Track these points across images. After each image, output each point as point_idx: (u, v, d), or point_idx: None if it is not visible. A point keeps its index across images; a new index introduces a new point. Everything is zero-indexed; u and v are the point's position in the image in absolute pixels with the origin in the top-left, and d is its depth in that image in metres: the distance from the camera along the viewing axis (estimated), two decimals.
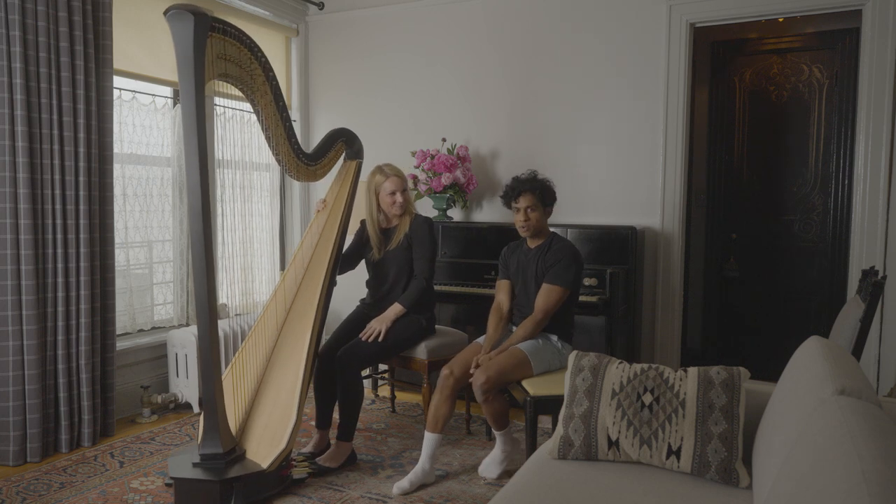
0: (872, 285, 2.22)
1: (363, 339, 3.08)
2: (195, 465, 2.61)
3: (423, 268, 3.20)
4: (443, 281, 4.00)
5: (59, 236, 3.12)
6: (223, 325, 3.88)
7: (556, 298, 2.84)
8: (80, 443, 3.27)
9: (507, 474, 2.93)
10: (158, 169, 3.96)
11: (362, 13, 4.71)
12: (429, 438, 2.83)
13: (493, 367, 2.74)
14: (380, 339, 3.07)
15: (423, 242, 3.22)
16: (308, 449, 3.16)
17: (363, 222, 3.33)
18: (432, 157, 4.16)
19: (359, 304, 3.43)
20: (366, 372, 3.89)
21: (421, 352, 3.24)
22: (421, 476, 2.83)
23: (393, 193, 3.19)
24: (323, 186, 3.99)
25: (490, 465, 2.97)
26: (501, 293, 3.08)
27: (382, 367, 3.95)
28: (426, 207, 4.42)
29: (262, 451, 2.69)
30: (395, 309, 3.14)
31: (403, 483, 2.80)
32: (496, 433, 2.97)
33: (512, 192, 2.94)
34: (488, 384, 2.72)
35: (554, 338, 2.93)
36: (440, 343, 3.31)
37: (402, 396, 4.11)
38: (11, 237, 2.99)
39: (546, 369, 2.83)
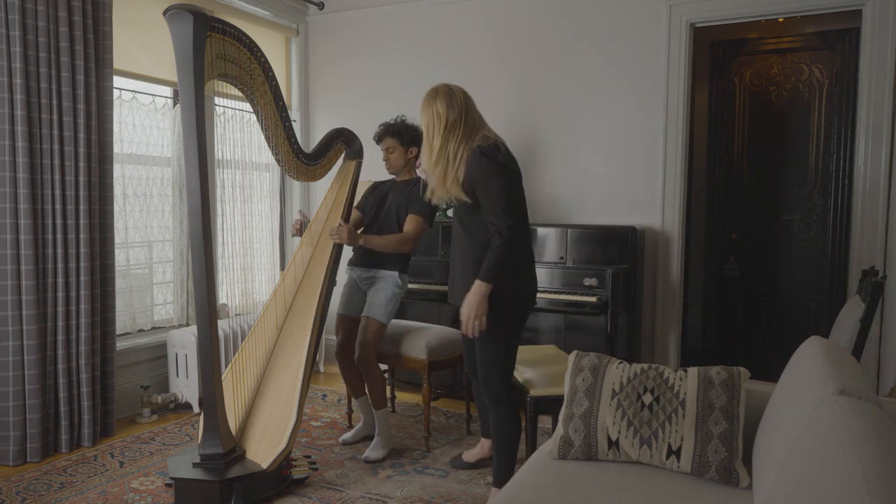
0: (872, 285, 2.22)
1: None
2: (195, 465, 2.61)
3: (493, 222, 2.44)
4: (442, 280, 4.00)
5: (59, 236, 3.12)
6: (223, 325, 3.88)
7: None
8: (80, 443, 3.27)
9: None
10: (158, 169, 3.95)
11: (362, 13, 4.71)
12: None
13: (365, 341, 3.15)
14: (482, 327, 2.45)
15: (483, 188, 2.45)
16: (476, 458, 3.09)
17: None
18: None
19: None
20: None
21: (421, 352, 3.24)
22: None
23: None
24: (323, 186, 3.98)
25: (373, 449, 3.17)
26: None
27: (382, 366, 3.94)
28: None
29: (262, 451, 2.69)
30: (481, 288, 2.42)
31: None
32: (376, 412, 3.20)
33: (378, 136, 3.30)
34: (364, 361, 3.15)
35: (395, 274, 3.26)
36: (440, 343, 3.30)
37: (402, 396, 4.11)
38: (11, 237, 2.99)
39: (391, 314, 3.26)
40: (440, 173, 2.49)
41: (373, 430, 3.39)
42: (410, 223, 3.18)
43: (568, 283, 3.69)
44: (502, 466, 2.58)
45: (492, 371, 2.53)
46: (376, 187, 3.47)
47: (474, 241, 2.52)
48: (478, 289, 2.40)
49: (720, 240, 4.86)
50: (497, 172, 2.41)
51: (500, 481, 2.57)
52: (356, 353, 3.20)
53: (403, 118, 3.31)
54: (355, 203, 3.38)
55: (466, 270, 2.53)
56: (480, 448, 3.08)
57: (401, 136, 3.27)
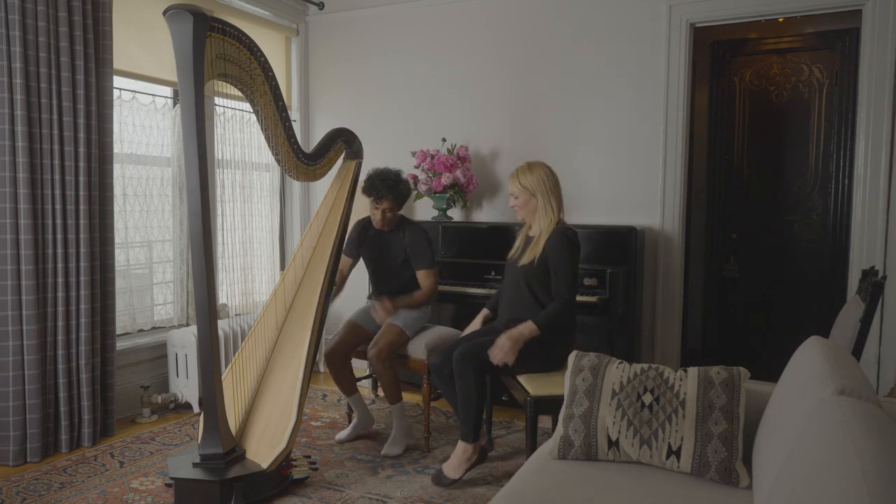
0: (872, 285, 2.22)
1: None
2: (195, 465, 2.61)
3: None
4: (442, 280, 4.00)
5: (59, 236, 3.12)
6: (223, 325, 3.88)
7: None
8: (80, 443, 3.27)
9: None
10: (158, 169, 3.95)
11: (362, 13, 4.71)
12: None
13: (382, 341, 3.20)
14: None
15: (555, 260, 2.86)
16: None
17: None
18: (432, 157, 4.16)
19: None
20: (366, 372, 3.89)
21: (421, 352, 3.24)
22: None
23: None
24: (323, 186, 3.98)
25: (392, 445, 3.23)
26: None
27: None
28: (426, 207, 4.42)
29: (262, 451, 2.69)
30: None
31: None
32: (392, 407, 3.28)
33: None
34: (376, 360, 3.16)
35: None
36: (440, 343, 3.30)
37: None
38: (11, 237, 2.99)
39: (417, 330, 3.34)
40: (536, 237, 2.85)
41: (367, 427, 3.45)
42: (427, 278, 3.31)
43: None
44: (470, 422, 2.81)
45: (485, 367, 2.78)
46: (364, 231, 3.41)
47: (538, 304, 2.84)
48: (527, 329, 2.74)
49: (720, 240, 4.86)
50: (572, 251, 2.80)
51: (466, 435, 2.83)
52: (370, 352, 3.19)
53: (399, 174, 3.27)
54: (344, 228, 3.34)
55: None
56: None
57: (401, 199, 3.27)
